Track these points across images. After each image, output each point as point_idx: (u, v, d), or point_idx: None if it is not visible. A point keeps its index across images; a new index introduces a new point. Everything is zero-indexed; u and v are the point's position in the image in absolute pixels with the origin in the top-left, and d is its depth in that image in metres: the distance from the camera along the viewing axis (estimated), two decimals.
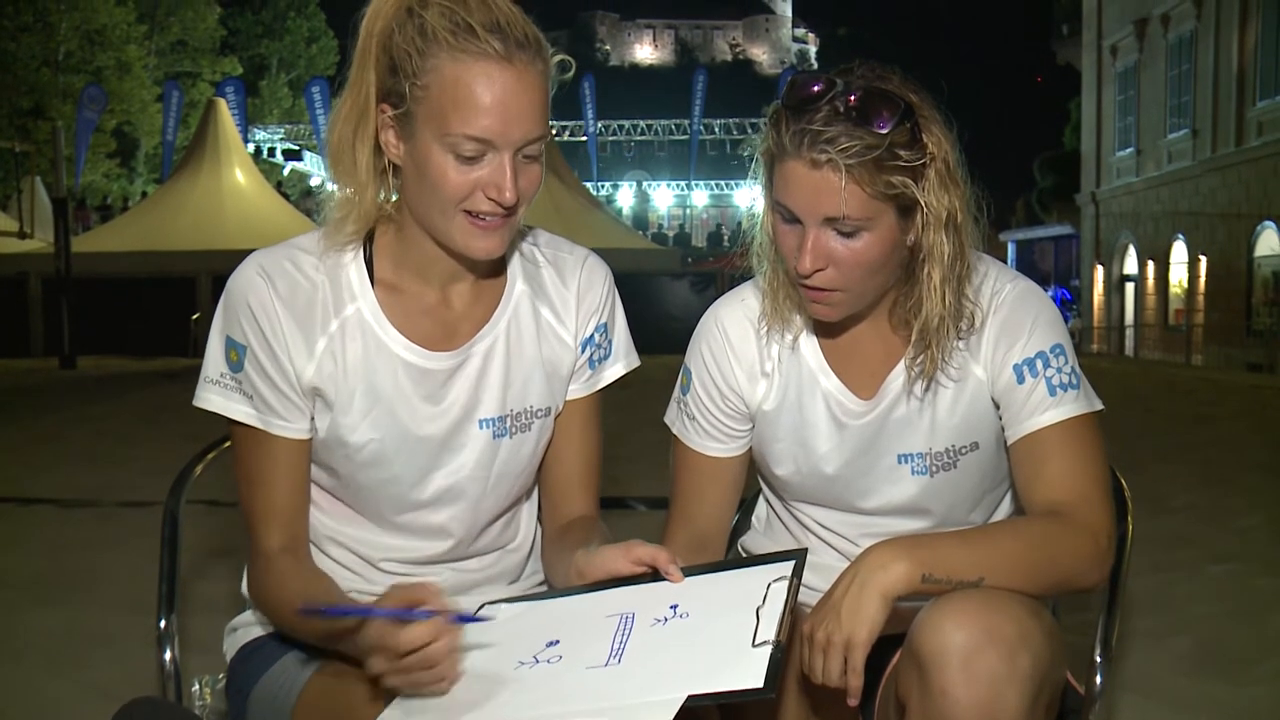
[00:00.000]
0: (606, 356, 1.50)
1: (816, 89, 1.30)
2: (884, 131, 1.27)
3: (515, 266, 1.45)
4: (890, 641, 1.47)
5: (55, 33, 29.59)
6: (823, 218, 1.32)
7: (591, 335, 1.48)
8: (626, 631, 1.16)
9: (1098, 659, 1.49)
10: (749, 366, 1.53)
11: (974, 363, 1.45)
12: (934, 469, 1.47)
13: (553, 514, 1.51)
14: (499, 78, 1.21)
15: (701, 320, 1.57)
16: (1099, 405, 1.43)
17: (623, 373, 1.52)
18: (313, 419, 1.36)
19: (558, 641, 1.18)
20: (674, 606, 1.19)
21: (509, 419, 1.41)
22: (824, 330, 1.50)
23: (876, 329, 1.48)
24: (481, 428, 1.40)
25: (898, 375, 1.46)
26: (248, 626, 1.45)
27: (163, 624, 1.51)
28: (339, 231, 1.34)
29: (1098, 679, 1.48)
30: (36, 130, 25.90)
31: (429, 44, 1.21)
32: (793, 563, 1.20)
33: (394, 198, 1.36)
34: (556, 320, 1.46)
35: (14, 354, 16.37)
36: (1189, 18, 21.95)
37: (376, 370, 1.35)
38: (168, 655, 1.49)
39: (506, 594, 1.45)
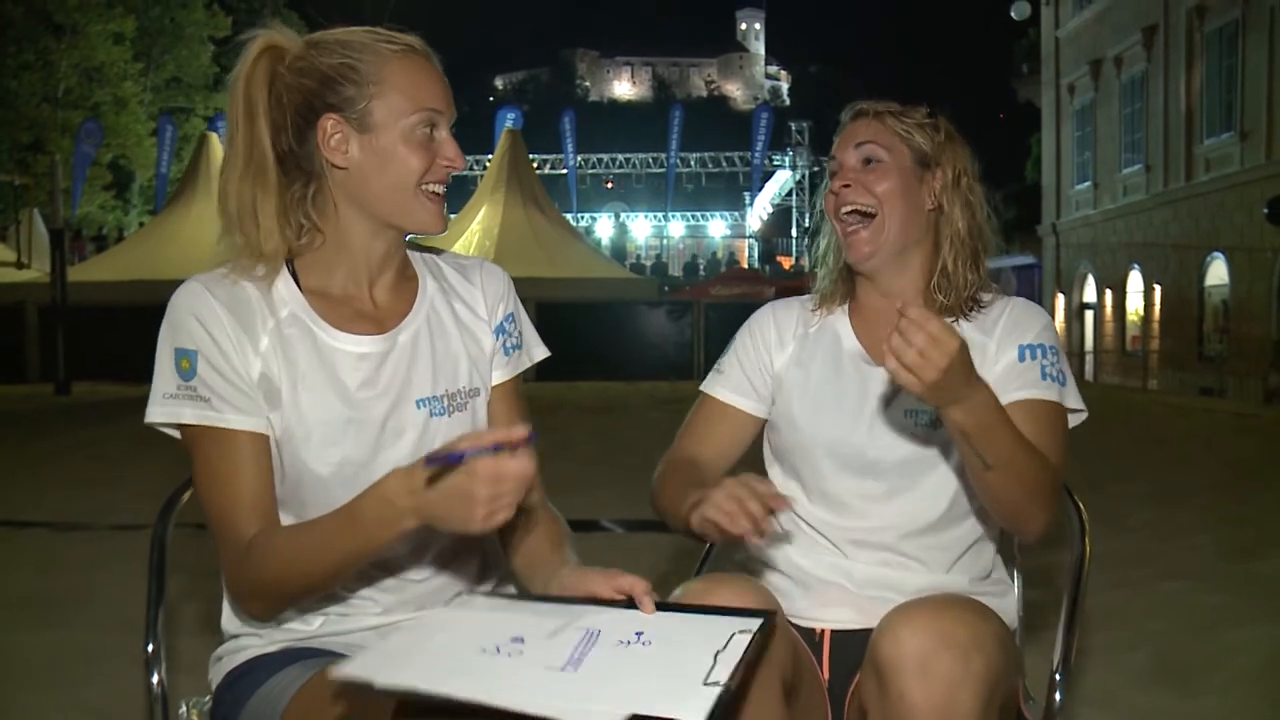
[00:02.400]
0: (519, 345, 1.58)
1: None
2: (908, 107, 1.67)
3: (421, 270, 1.53)
4: (863, 639, 1.52)
5: (55, 70, 29.47)
6: (853, 144, 1.65)
7: (502, 323, 1.56)
8: (589, 645, 1.19)
9: (1057, 674, 1.52)
10: (784, 332, 1.74)
11: (989, 340, 1.62)
12: (938, 423, 1.55)
13: None
14: (430, 67, 1.41)
15: None
16: (1073, 404, 1.58)
17: (533, 361, 1.61)
18: (268, 419, 1.37)
19: (523, 639, 1.20)
20: (639, 633, 1.22)
21: (445, 399, 1.46)
22: (856, 314, 1.71)
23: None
24: (419, 407, 1.43)
25: None
26: (232, 654, 1.45)
27: (150, 647, 1.51)
28: (245, 271, 1.39)
29: (1057, 695, 1.50)
30: (35, 164, 25.74)
31: (375, 57, 1.37)
32: (761, 621, 1.24)
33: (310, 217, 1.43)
34: (470, 311, 1.54)
35: (10, 380, 16.37)
36: (1140, 59, 22.36)
37: (316, 360, 1.39)
38: (155, 678, 1.50)
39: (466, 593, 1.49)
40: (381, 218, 1.42)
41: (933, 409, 1.50)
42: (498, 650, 1.18)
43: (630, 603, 1.28)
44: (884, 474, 1.59)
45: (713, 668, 1.12)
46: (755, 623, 1.23)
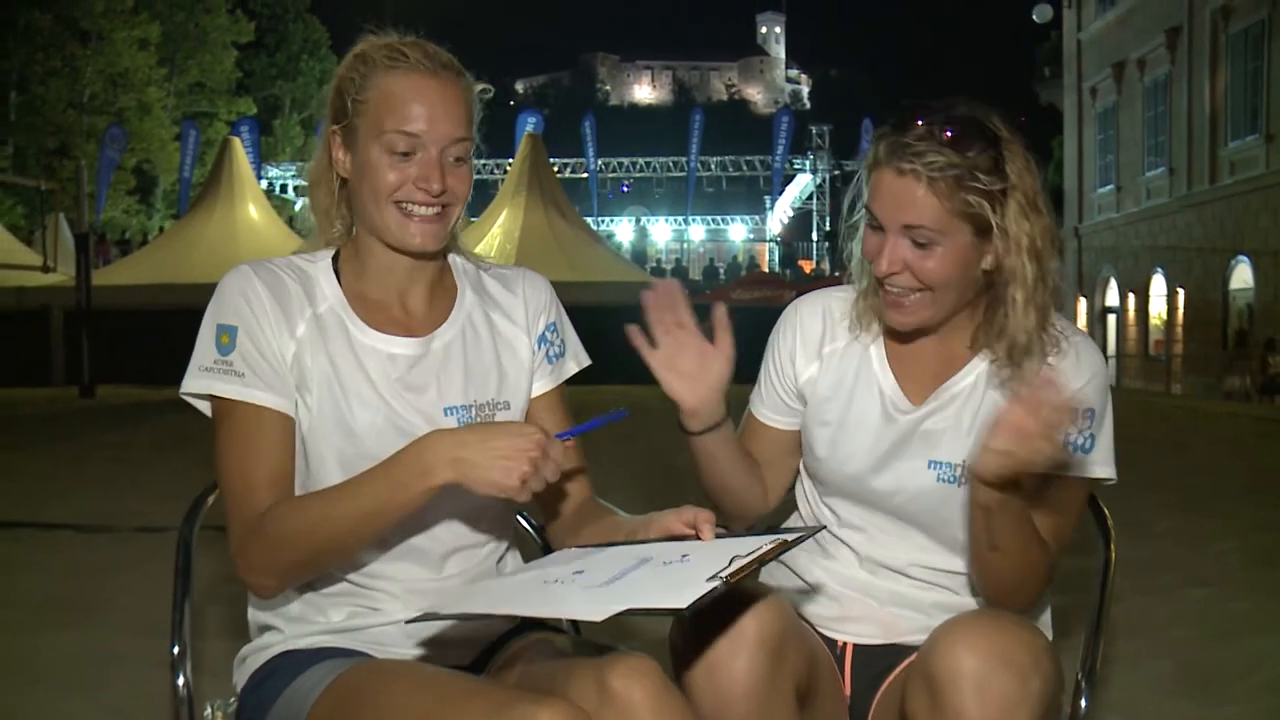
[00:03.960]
0: (562, 354, 1.59)
1: (919, 113, 1.40)
2: (969, 155, 1.37)
3: (463, 281, 1.55)
4: (885, 654, 1.54)
5: (81, 76, 30.24)
6: (901, 224, 1.40)
7: (543, 333, 1.57)
8: (637, 567, 1.22)
9: (1082, 682, 1.51)
10: (808, 345, 1.61)
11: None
12: (964, 480, 1.47)
13: (555, 501, 1.57)
14: (425, 86, 1.39)
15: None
16: (1099, 474, 1.47)
17: (579, 368, 1.62)
18: (297, 405, 1.41)
19: (583, 571, 1.26)
20: (685, 555, 1.23)
21: (474, 409, 1.47)
22: (892, 337, 1.56)
23: (941, 345, 1.53)
24: (447, 415, 1.45)
25: (948, 387, 1.51)
26: (256, 654, 1.46)
27: (176, 650, 1.52)
28: (294, 264, 1.48)
29: (1083, 702, 1.50)
30: (61, 169, 26.02)
31: (369, 69, 1.41)
32: (800, 535, 1.27)
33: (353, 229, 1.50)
34: (509, 323, 1.55)
35: (36, 383, 16.37)
36: (1163, 62, 22.32)
37: (348, 354, 1.43)
38: (181, 680, 1.50)
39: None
40: (369, 230, 1.46)
41: (957, 463, 1.49)
42: (558, 580, 1.24)
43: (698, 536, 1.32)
44: (905, 519, 1.55)
45: (725, 568, 1.14)
46: (795, 535, 1.25)
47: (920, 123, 1.39)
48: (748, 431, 1.68)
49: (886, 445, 1.53)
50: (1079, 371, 1.48)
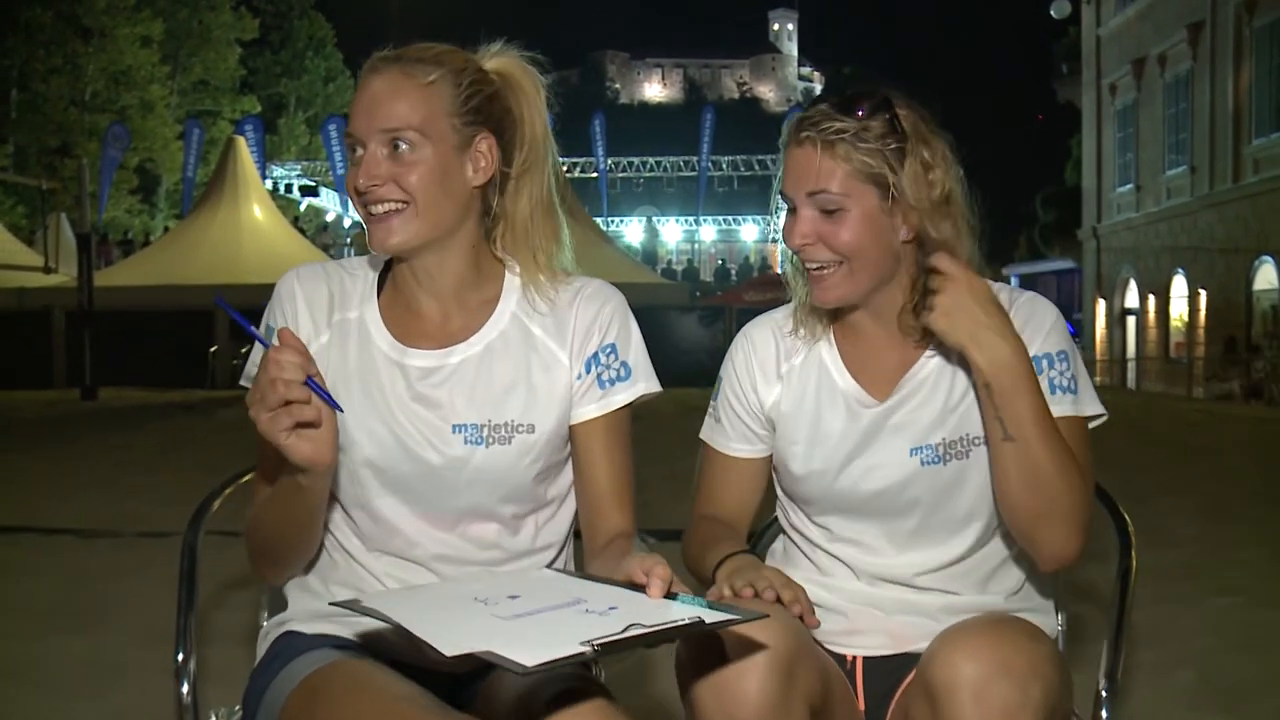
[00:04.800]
0: (622, 378, 1.48)
1: (820, 96, 1.51)
2: (860, 115, 1.42)
3: (511, 289, 1.49)
4: (896, 664, 1.52)
5: (83, 74, 30.59)
6: (805, 193, 1.44)
7: (595, 354, 1.48)
8: (561, 608, 1.18)
9: (1103, 692, 1.50)
10: (766, 369, 1.60)
11: None
12: (948, 457, 1.49)
13: (592, 532, 1.50)
14: (364, 84, 1.39)
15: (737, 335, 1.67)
16: (1091, 410, 1.48)
17: (642, 394, 1.49)
18: None
19: (518, 596, 1.23)
20: (613, 607, 1.17)
21: (486, 428, 1.42)
22: (842, 339, 1.57)
23: (889, 337, 1.54)
24: (455, 431, 1.42)
25: (910, 377, 1.51)
26: (274, 630, 1.48)
27: (180, 657, 1.51)
28: (348, 267, 1.55)
29: (1103, 713, 1.49)
30: (63, 168, 26.30)
31: None
32: (730, 619, 1.14)
33: None
34: (552, 341, 1.48)
35: (38, 385, 16.31)
36: (1185, 58, 22.33)
37: (361, 359, 1.44)
38: (185, 688, 1.50)
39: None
40: None
41: (936, 442, 1.49)
42: (485, 601, 1.21)
43: (670, 592, 1.22)
44: (896, 517, 1.53)
45: (613, 634, 1.07)
46: (726, 616, 1.14)
47: (820, 102, 1.47)
48: (710, 469, 1.66)
49: (864, 447, 1.53)
50: (1035, 324, 1.49)
